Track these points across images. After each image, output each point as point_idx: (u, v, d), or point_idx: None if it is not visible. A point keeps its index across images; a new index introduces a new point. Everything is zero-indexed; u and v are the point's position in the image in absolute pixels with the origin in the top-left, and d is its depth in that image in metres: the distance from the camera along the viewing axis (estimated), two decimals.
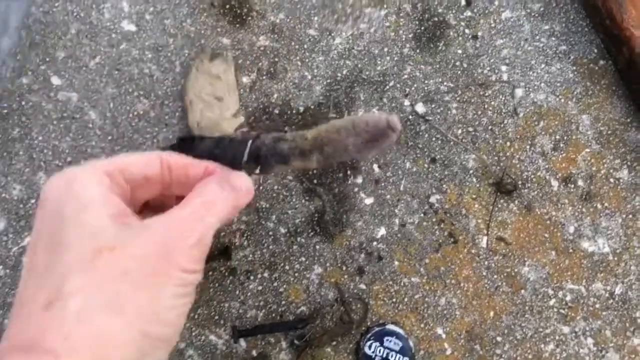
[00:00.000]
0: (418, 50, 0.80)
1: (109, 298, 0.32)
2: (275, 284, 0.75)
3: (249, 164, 0.44)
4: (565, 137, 0.78)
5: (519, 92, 0.79)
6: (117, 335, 0.32)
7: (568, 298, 0.76)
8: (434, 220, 0.77)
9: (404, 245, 0.76)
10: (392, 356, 0.71)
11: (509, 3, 0.81)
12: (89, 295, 0.32)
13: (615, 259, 0.77)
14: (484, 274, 0.76)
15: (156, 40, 0.78)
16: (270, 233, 0.75)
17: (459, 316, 0.75)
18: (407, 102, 0.78)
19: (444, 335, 0.75)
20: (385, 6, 0.80)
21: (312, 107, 0.78)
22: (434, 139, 0.78)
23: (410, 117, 0.78)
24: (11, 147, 0.75)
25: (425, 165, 0.77)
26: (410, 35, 0.80)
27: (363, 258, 0.75)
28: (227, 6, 0.79)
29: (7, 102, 0.76)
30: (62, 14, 0.78)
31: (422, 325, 0.75)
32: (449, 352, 0.75)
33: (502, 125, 0.78)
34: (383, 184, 0.77)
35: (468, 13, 0.81)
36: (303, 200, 0.76)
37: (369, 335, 0.72)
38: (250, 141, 0.45)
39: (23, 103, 0.76)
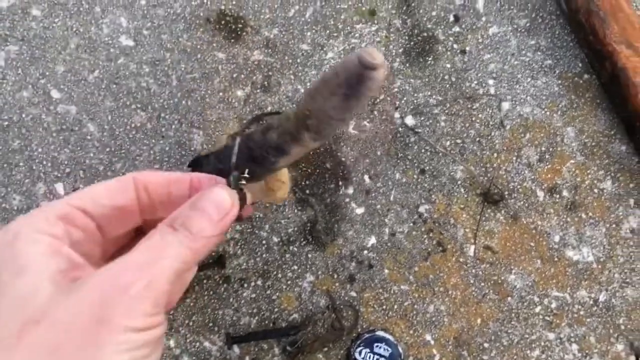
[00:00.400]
0: (408, 65, 0.82)
1: None
2: (268, 291, 0.77)
3: (237, 171, 0.39)
4: (550, 149, 0.81)
5: (506, 105, 0.81)
6: None
7: (553, 305, 0.78)
8: (423, 229, 0.79)
9: (393, 254, 0.78)
10: None
11: (496, 19, 0.83)
12: None
13: (599, 267, 0.79)
14: (472, 281, 0.78)
15: (153, 54, 0.80)
16: (264, 242, 0.77)
17: (447, 323, 0.77)
18: (397, 115, 0.81)
19: (432, 342, 0.77)
20: (375, 22, 0.82)
21: None
22: (423, 150, 0.80)
23: (400, 129, 0.80)
24: (11, 159, 0.78)
25: (415, 176, 0.80)
26: (400, 50, 0.82)
27: (354, 266, 0.78)
28: (223, 22, 0.81)
29: (8, 115, 0.78)
30: (62, 29, 0.81)
31: (411, 332, 0.77)
32: (437, 358, 0.77)
33: (489, 137, 0.81)
34: (373, 194, 0.79)
35: (456, 29, 0.83)
36: (295, 210, 0.78)
37: (359, 342, 0.74)
38: (237, 140, 0.40)
39: (23, 115, 0.78)
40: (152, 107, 0.79)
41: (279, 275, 0.77)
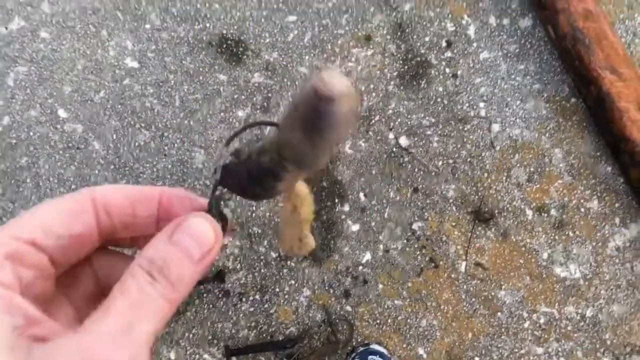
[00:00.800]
0: (402, 88, 0.85)
1: None
2: (266, 305, 0.79)
3: (219, 192, 0.33)
4: (539, 169, 0.84)
5: (496, 127, 0.85)
6: None
7: (542, 320, 0.81)
8: (416, 246, 0.82)
9: (387, 270, 0.81)
10: None
11: (486, 44, 0.87)
12: None
13: (586, 283, 0.82)
14: (463, 297, 0.81)
15: (157, 76, 0.84)
16: (262, 257, 0.80)
17: (439, 337, 0.80)
18: (391, 136, 0.84)
19: (425, 355, 0.80)
20: (371, 46, 0.86)
21: None
22: (416, 170, 0.83)
23: (395, 149, 0.83)
24: (19, 175, 0.80)
25: (408, 195, 0.83)
26: (394, 74, 0.86)
27: (349, 282, 0.80)
28: (224, 45, 0.85)
29: (16, 133, 0.81)
30: (70, 51, 0.84)
31: (404, 346, 0.79)
32: None
33: (480, 158, 0.84)
34: (368, 212, 0.82)
35: (448, 54, 0.87)
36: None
37: (354, 355, 0.76)
38: (229, 157, 0.34)
39: (31, 134, 0.81)
40: (156, 127, 0.82)
41: (277, 290, 0.80)
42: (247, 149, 0.34)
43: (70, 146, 0.81)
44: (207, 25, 0.85)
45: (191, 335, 0.78)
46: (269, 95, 0.84)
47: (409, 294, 0.80)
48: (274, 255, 0.80)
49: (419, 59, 0.86)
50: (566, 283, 0.82)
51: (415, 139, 0.84)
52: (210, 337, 0.78)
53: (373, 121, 0.84)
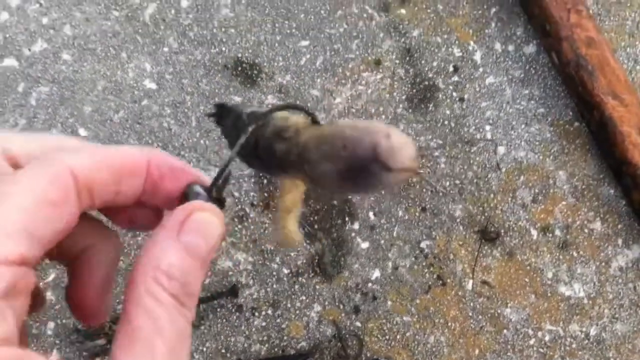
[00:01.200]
0: (410, 110, 0.88)
1: None
2: (278, 320, 0.81)
3: (223, 175, 0.29)
4: (543, 191, 0.86)
5: (502, 149, 0.87)
6: None
7: (547, 338, 0.83)
8: (424, 264, 0.84)
9: (396, 287, 0.83)
10: None
11: (492, 69, 0.90)
12: None
13: (590, 302, 0.84)
14: (470, 314, 0.83)
15: (175, 97, 0.87)
16: (274, 273, 0.82)
17: (446, 353, 0.82)
18: None
19: None
20: (380, 70, 0.89)
21: None
22: (424, 190, 0.86)
23: None
24: None
25: (417, 214, 0.85)
26: (403, 97, 0.89)
27: (359, 298, 0.82)
28: (239, 68, 0.88)
29: None
30: (90, 72, 0.87)
31: None
32: None
33: (486, 179, 0.86)
34: (378, 230, 0.84)
35: (455, 78, 0.90)
36: (304, 244, 0.83)
37: None
38: (249, 128, 0.30)
39: None
40: (173, 146, 0.85)
41: (289, 305, 0.82)
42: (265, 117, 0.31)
43: None
44: (223, 49, 0.88)
45: (205, 349, 0.80)
46: None
47: (417, 310, 0.82)
48: (286, 271, 0.82)
49: (427, 83, 0.89)
50: (570, 302, 0.84)
51: (423, 160, 0.87)
52: (223, 351, 0.80)
53: None
